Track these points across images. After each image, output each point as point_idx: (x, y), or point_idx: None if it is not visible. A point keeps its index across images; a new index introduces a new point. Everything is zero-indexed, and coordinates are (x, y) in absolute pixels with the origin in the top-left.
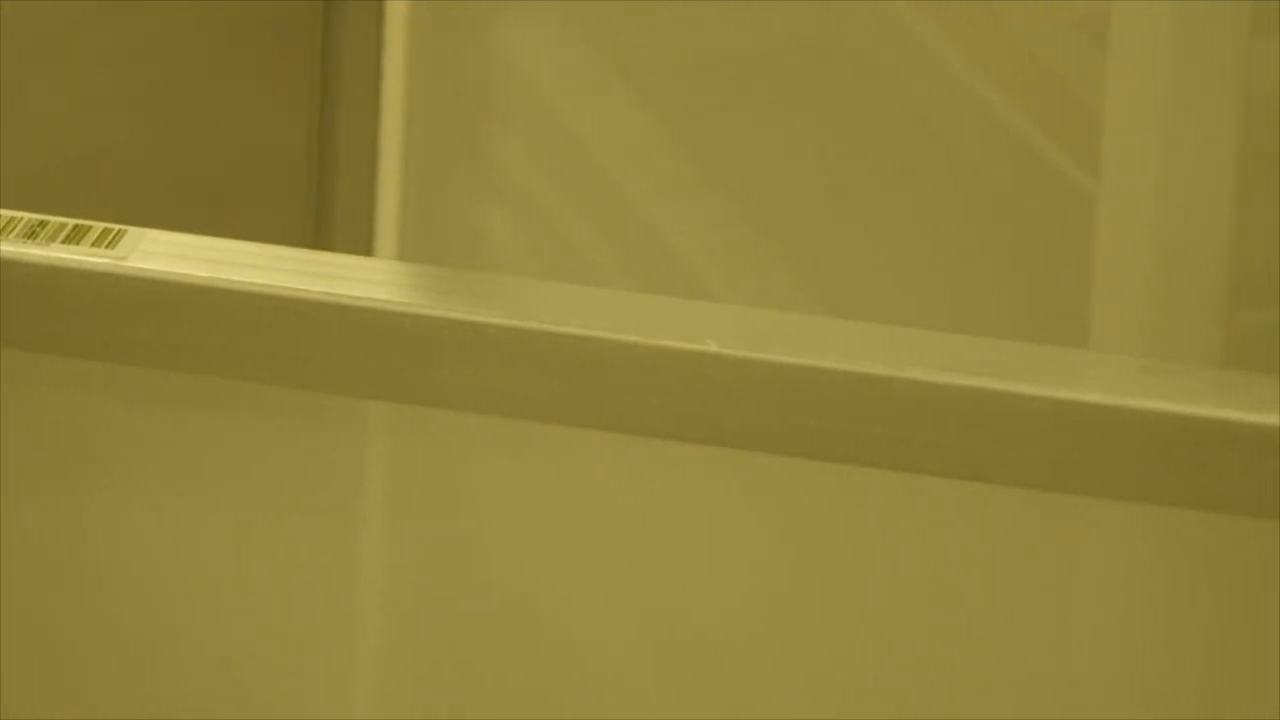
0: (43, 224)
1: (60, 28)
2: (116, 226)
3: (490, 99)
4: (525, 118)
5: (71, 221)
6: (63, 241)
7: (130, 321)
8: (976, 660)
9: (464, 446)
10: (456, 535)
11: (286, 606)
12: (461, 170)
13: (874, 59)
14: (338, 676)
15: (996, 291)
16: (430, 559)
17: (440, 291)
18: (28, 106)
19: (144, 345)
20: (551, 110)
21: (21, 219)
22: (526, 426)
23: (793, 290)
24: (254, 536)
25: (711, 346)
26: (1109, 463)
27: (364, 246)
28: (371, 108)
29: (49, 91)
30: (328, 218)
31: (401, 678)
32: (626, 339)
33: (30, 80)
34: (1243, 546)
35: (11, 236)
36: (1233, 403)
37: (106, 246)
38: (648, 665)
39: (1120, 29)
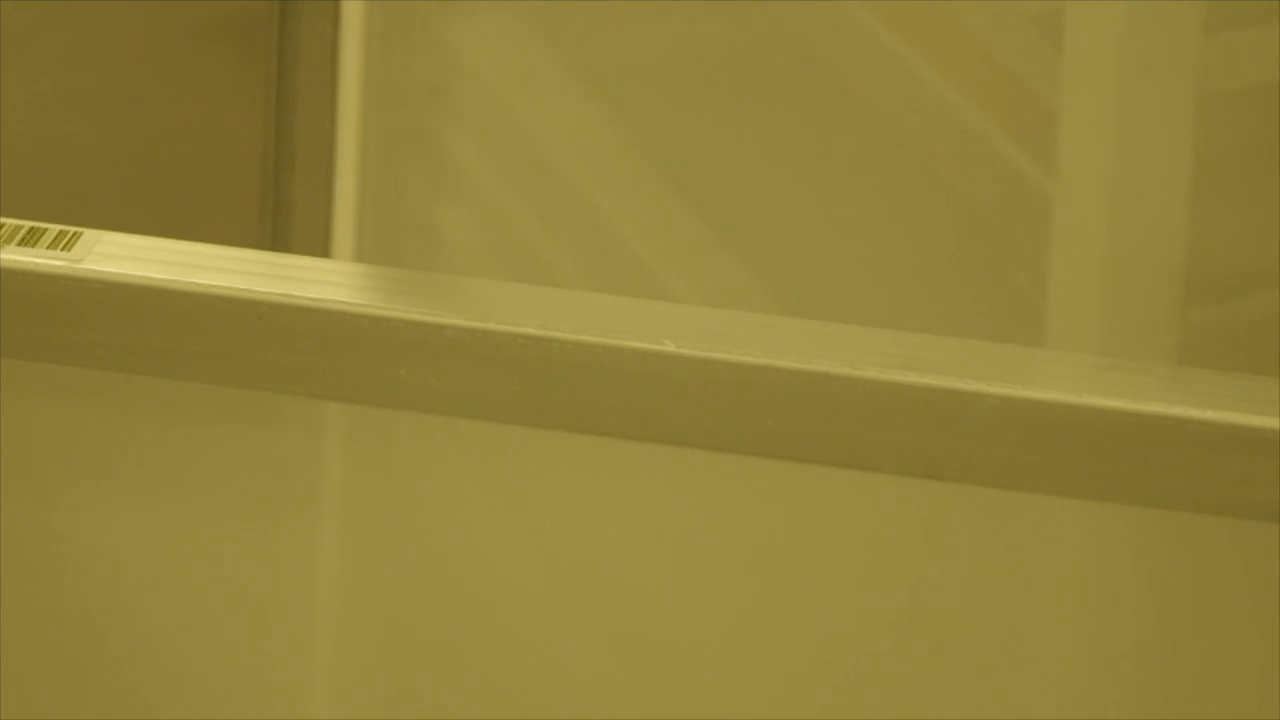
0: None
1: (15, 29)
2: (72, 229)
3: (446, 99)
4: (482, 118)
5: (27, 224)
6: (18, 244)
7: (86, 324)
8: (932, 656)
9: (422, 447)
10: (415, 536)
11: (245, 607)
12: (418, 171)
13: (831, 59)
14: (296, 675)
15: (954, 290)
16: (389, 559)
17: (397, 292)
18: None
19: (100, 348)
20: (508, 110)
21: None
22: (484, 427)
23: (751, 290)
24: (212, 537)
25: (669, 346)
26: (1065, 460)
27: (320, 247)
28: (327, 109)
29: (4, 93)
30: (284, 219)
31: (360, 676)
32: (584, 339)
33: None
34: (1197, 542)
35: None
36: (1187, 400)
37: (62, 249)
38: (605, 663)
39: (1075, 28)
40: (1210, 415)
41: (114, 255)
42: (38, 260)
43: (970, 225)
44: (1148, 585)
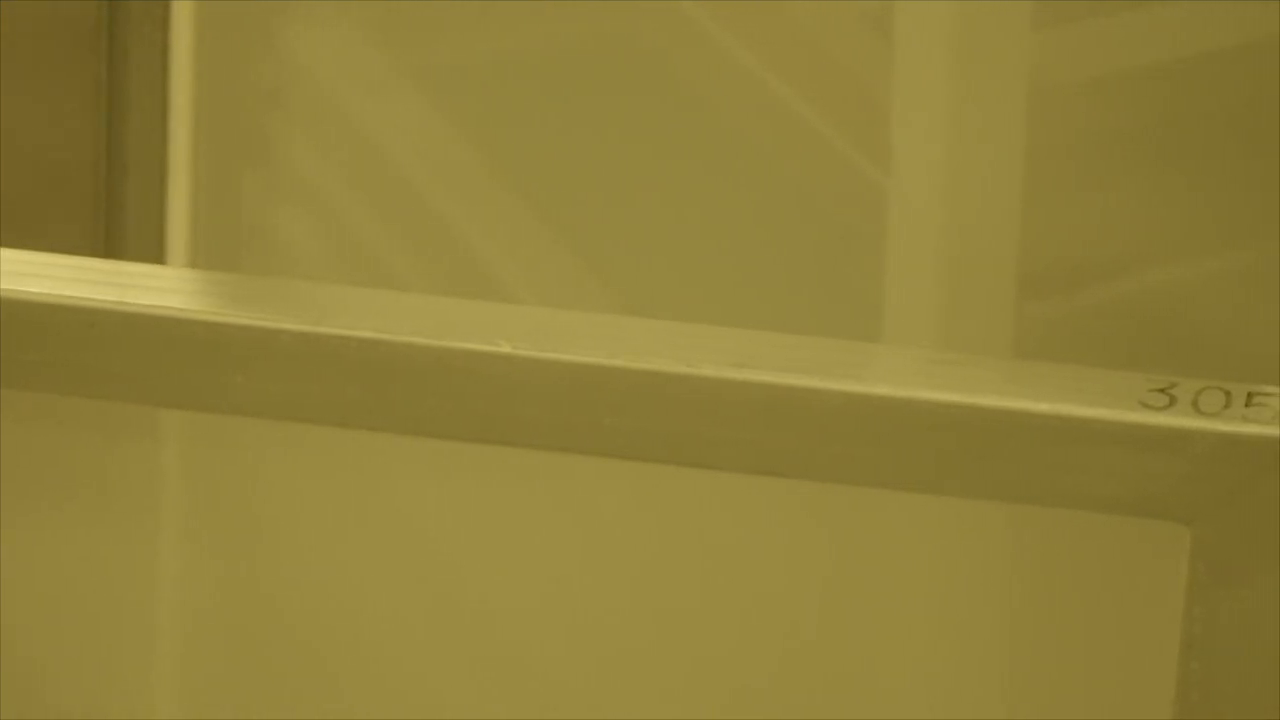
0: None
1: None
2: None
3: (280, 102)
4: (318, 120)
5: None
6: None
7: None
8: (775, 653)
9: (260, 452)
10: (255, 541)
11: (85, 614)
12: (254, 175)
13: (666, 57)
14: (138, 683)
15: (790, 286)
16: (229, 566)
17: (232, 298)
18: None
19: None
20: (344, 113)
21: None
22: (322, 431)
23: (589, 289)
24: (51, 546)
25: (504, 347)
26: (903, 455)
27: (155, 253)
28: (159, 113)
29: None
30: (118, 225)
31: (202, 682)
32: (419, 341)
33: None
34: (1035, 534)
35: None
36: (1023, 393)
37: None
38: (446, 664)
39: (905, 24)
40: (1045, 408)
41: None
42: None
43: (805, 221)
44: (988, 577)
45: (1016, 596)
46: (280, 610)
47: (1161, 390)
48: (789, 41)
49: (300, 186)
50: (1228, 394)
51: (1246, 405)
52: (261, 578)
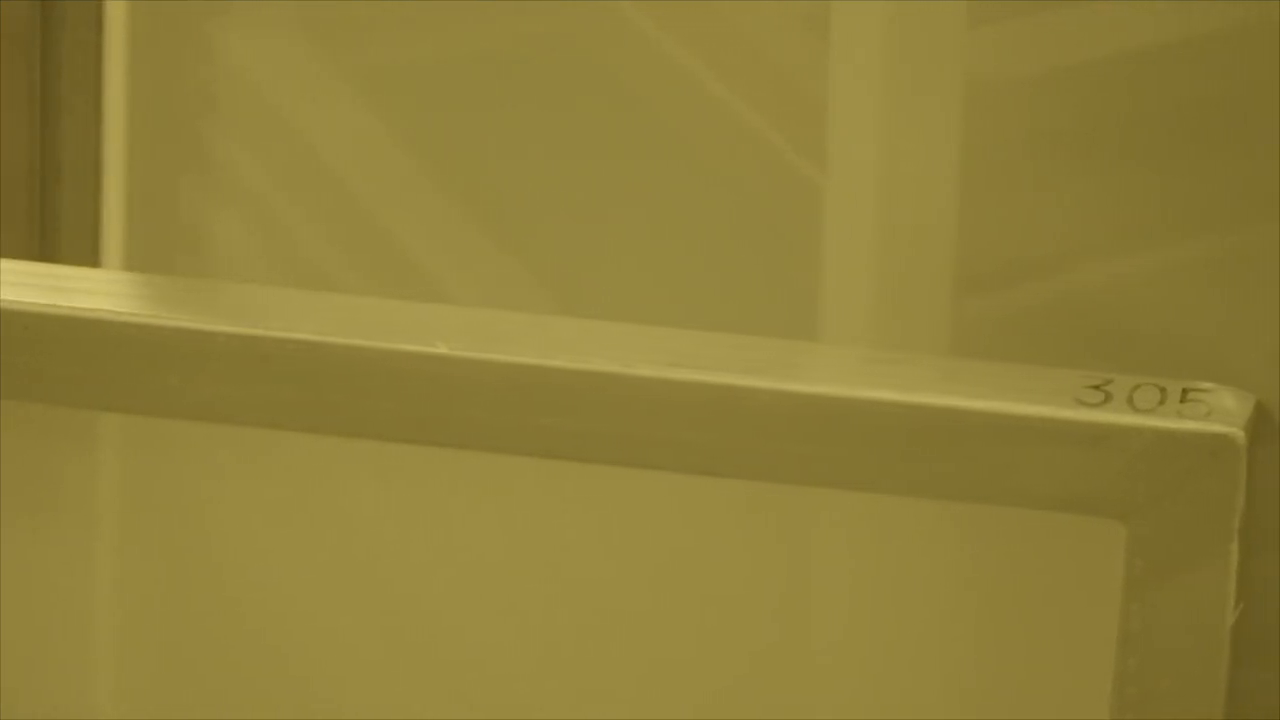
0: None
1: None
2: None
3: (216, 104)
4: (252, 123)
5: None
6: None
7: None
8: (711, 652)
9: (196, 455)
10: (191, 543)
11: (22, 616)
12: (189, 177)
13: (603, 59)
14: (77, 682)
15: (727, 285)
16: (165, 566)
17: (167, 300)
18: None
19: None
20: (279, 115)
21: None
22: (258, 433)
23: (527, 290)
24: None
25: (441, 348)
26: (838, 454)
27: (90, 256)
28: (94, 115)
29: None
30: (52, 229)
31: (140, 682)
32: (355, 343)
33: None
34: (971, 531)
35: None
36: (959, 390)
37: None
38: (380, 662)
39: (840, 23)
40: (982, 405)
41: None
42: None
43: (742, 220)
44: (925, 575)
45: (953, 594)
46: (216, 611)
47: (1097, 387)
48: (725, 41)
49: (236, 189)
50: (1163, 390)
51: (1181, 401)
52: (198, 579)
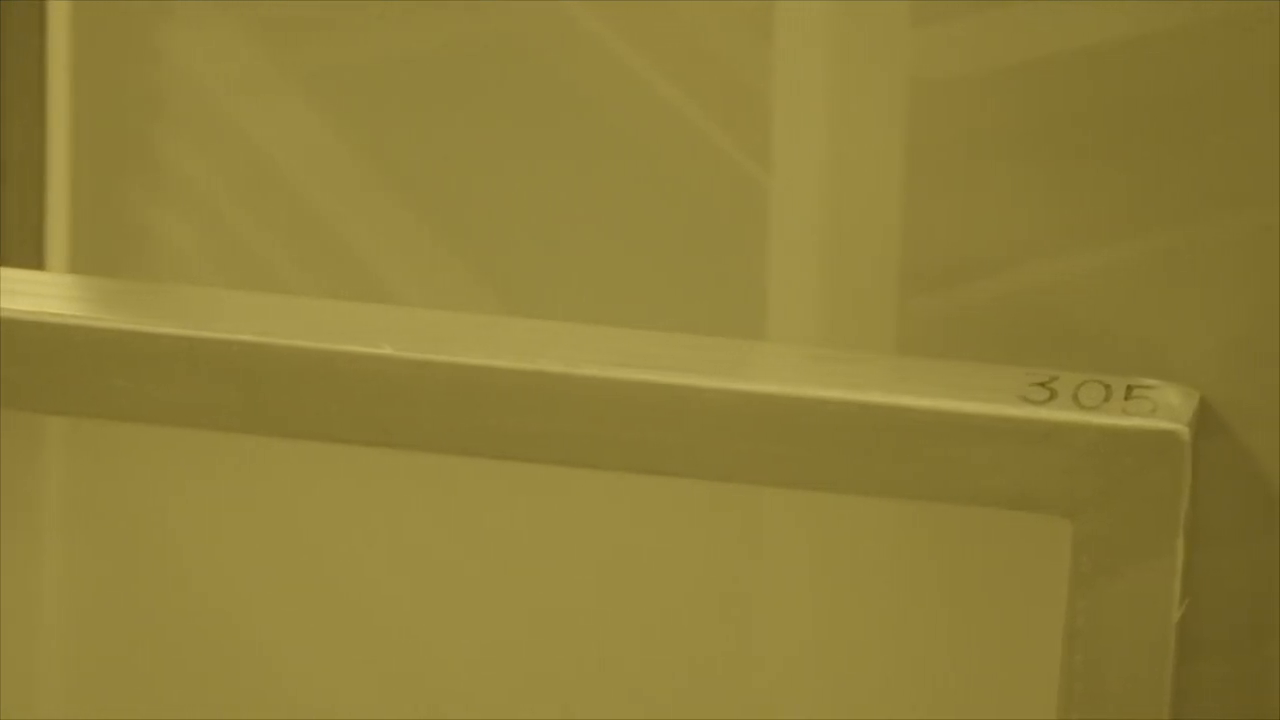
0: None
1: None
2: None
3: (160, 104)
4: (197, 123)
5: None
6: None
7: None
8: (660, 651)
9: (142, 457)
10: (139, 545)
11: None
12: (135, 179)
13: (549, 59)
14: (21, 682)
15: (673, 284)
16: (111, 568)
17: (112, 303)
18: None
19: None
20: (224, 115)
21: None
22: (205, 435)
23: (473, 291)
24: None
25: (386, 349)
26: (785, 452)
27: (35, 259)
28: (38, 116)
29: None
30: None
31: (83, 680)
32: (299, 344)
33: None
34: (920, 529)
35: None
36: (906, 388)
37: None
38: (322, 661)
39: (785, 22)
40: (928, 403)
41: None
42: None
43: (687, 220)
44: (872, 572)
45: (901, 592)
46: (163, 614)
47: (1042, 384)
48: (670, 41)
49: (181, 190)
50: (1108, 387)
51: (1126, 398)
52: (144, 581)
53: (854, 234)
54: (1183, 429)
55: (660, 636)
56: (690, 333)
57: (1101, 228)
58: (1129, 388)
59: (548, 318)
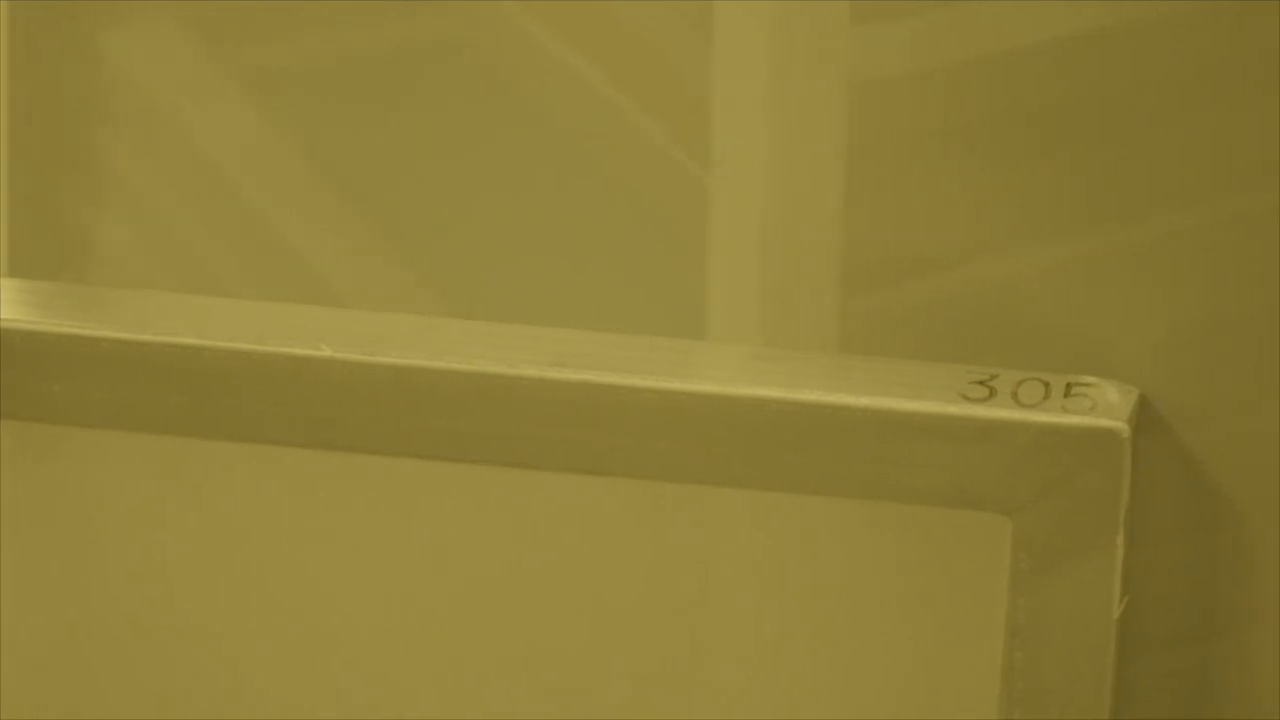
0: None
1: None
2: None
3: (100, 105)
4: (137, 124)
5: None
6: None
7: None
8: (602, 650)
9: (80, 461)
10: (75, 548)
11: None
12: (73, 180)
13: (491, 59)
14: None
15: (613, 284)
16: (49, 570)
17: (51, 307)
18: None
19: None
20: (165, 116)
21: None
22: (143, 439)
23: (414, 293)
24: None
25: (325, 351)
26: (725, 451)
27: None
28: None
29: None
30: None
31: (23, 684)
32: (239, 347)
33: None
34: (860, 527)
35: None
36: (845, 387)
37: None
38: (270, 662)
39: (725, 21)
40: (867, 402)
41: None
42: None
43: (627, 219)
44: (812, 571)
45: (841, 590)
46: (102, 615)
47: (982, 382)
48: (610, 41)
49: (122, 192)
50: (1047, 385)
51: (1066, 396)
52: (83, 584)
53: (795, 233)
54: (1122, 426)
55: (606, 636)
56: (631, 333)
57: (1040, 227)
58: (1068, 385)
59: (488, 319)
